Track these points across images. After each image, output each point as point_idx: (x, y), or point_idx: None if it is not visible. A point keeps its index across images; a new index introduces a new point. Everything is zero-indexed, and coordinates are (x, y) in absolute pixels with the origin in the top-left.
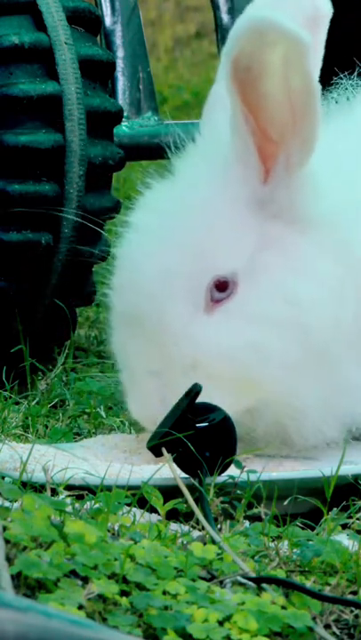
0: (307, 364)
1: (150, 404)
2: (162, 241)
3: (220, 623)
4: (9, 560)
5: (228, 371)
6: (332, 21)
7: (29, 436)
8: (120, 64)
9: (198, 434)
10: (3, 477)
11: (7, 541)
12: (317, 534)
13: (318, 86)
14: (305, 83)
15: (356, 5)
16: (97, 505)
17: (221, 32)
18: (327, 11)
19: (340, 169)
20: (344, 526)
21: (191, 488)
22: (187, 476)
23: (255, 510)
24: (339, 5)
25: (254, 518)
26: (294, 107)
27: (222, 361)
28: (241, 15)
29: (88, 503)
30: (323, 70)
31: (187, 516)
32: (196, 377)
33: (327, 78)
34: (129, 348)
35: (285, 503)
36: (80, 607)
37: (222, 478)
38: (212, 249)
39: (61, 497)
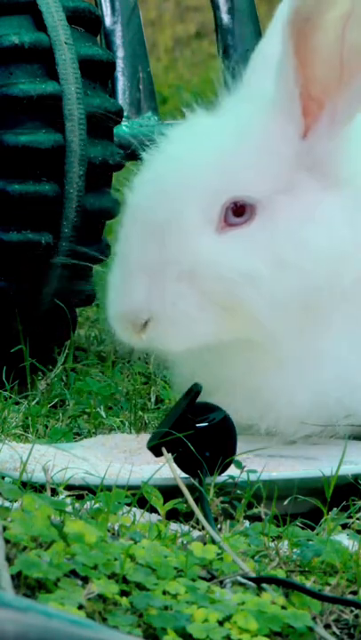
0: (296, 309)
1: (133, 297)
2: (192, 152)
3: (220, 623)
4: (9, 560)
5: (221, 291)
6: None
7: (29, 435)
8: (120, 64)
9: (198, 434)
10: (3, 477)
11: (7, 541)
12: (317, 534)
13: None
14: None
15: None
16: (97, 505)
17: (221, 32)
18: None
19: None
20: (344, 526)
21: (191, 488)
22: (187, 475)
23: (255, 510)
24: None
25: (254, 518)
26: (346, 64)
27: (218, 280)
28: None
29: (88, 503)
30: None
31: (187, 516)
32: (188, 287)
33: None
34: (132, 243)
35: (285, 503)
36: (80, 607)
37: (222, 478)
38: (239, 171)
39: (61, 497)
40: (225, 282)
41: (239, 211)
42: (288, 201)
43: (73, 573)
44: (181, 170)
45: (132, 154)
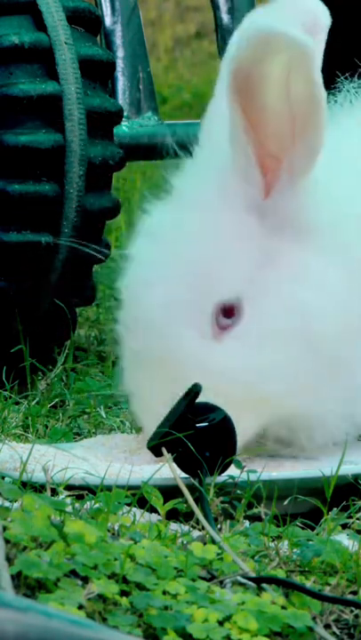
0: (320, 373)
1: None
2: (163, 271)
3: (220, 623)
4: (9, 560)
5: (242, 393)
6: (333, 25)
7: (29, 435)
8: (120, 64)
9: (198, 434)
10: (3, 477)
11: (7, 541)
12: (317, 534)
13: (324, 92)
14: (310, 89)
15: (356, 8)
16: (97, 505)
17: (221, 32)
18: (326, 20)
19: (343, 174)
20: (344, 526)
21: (191, 488)
22: (187, 475)
23: (255, 510)
24: (339, 9)
25: (254, 518)
26: (296, 116)
27: (235, 385)
28: (241, 23)
29: (88, 503)
30: (323, 74)
31: (187, 516)
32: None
33: (328, 82)
34: (142, 387)
35: (285, 503)
36: (80, 607)
37: (222, 478)
38: (214, 275)
39: (61, 497)
40: (243, 383)
41: (228, 311)
42: (270, 273)
43: (73, 573)
44: (164, 301)
45: (135, 153)
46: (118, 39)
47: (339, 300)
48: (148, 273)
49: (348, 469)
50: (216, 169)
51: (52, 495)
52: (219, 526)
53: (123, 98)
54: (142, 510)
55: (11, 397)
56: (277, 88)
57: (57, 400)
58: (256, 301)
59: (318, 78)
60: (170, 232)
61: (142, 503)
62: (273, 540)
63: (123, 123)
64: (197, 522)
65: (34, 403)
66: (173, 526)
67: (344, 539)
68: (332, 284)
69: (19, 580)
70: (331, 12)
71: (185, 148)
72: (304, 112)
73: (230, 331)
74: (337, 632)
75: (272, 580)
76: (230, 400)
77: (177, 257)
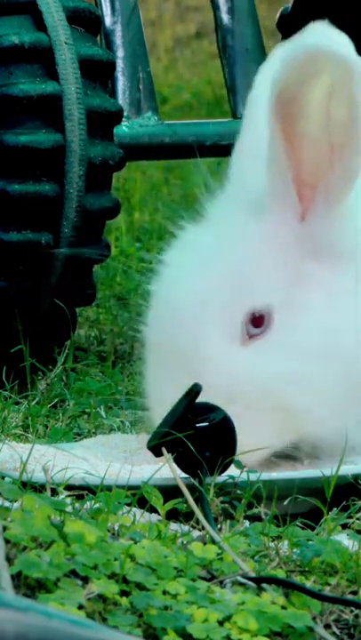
0: (348, 395)
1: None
2: (198, 274)
3: (220, 623)
4: (9, 560)
5: (268, 402)
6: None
7: (29, 435)
8: (120, 64)
9: (198, 434)
10: (3, 477)
11: (7, 541)
12: (317, 534)
13: None
14: (351, 111)
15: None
16: (97, 505)
17: (221, 32)
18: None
19: None
20: (344, 526)
21: (191, 488)
22: (187, 475)
23: (255, 510)
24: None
25: (254, 518)
26: (335, 144)
27: (261, 393)
28: (287, 46)
29: (88, 503)
30: None
31: (187, 516)
32: (234, 409)
33: None
34: (164, 382)
35: (285, 503)
36: (80, 607)
37: (222, 478)
38: (248, 282)
39: (61, 497)
40: (269, 392)
41: (257, 321)
42: (303, 292)
43: (73, 573)
44: (196, 300)
45: (135, 153)
46: (118, 39)
47: None
48: (184, 276)
49: (348, 469)
50: (252, 194)
51: (52, 495)
52: (219, 526)
53: (123, 98)
54: (142, 510)
55: (11, 397)
56: (318, 114)
57: (57, 400)
58: (286, 315)
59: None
60: (207, 242)
61: (142, 503)
62: (273, 540)
63: (123, 123)
64: (197, 522)
65: (34, 403)
66: (173, 526)
67: (344, 539)
68: (358, 306)
69: (19, 580)
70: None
71: (185, 148)
72: (343, 137)
73: (258, 339)
74: (337, 632)
75: (272, 580)
76: (251, 406)
77: (213, 263)
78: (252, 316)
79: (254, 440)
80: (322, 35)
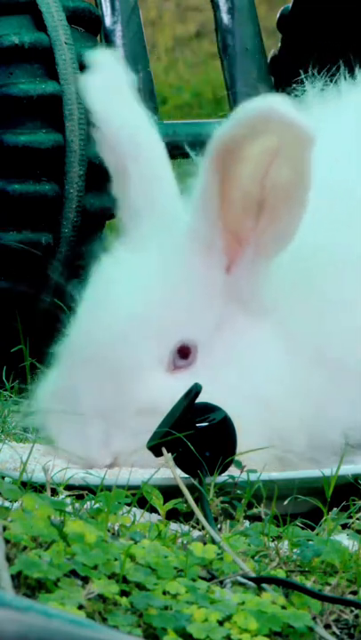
0: (266, 438)
1: (91, 446)
2: (135, 292)
3: (220, 623)
4: (9, 560)
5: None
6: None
7: (29, 435)
8: None
9: (198, 434)
10: (3, 477)
11: (7, 541)
12: (317, 534)
13: (311, 181)
14: (295, 176)
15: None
16: (97, 505)
17: (221, 32)
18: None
19: (296, 256)
20: (344, 526)
21: (191, 488)
22: (187, 475)
23: (255, 510)
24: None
25: (254, 518)
26: (268, 202)
27: None
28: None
29: (88, 503)
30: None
31: (187, 516)
32: (150, 420)
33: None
34: (79, 388)
35: (285, 503)
36: (80, 607)
37: (222, 478)
38: (179, 314)
39: (61, 497)
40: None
41: (184, 352)
42: (223, 337)
43: (73, 573)
44: (130, 314)
45: None
46: (118, 39)
47: (278, 369)
48: (119, 290)
49: (349, 469)
50: (181, 235)
51: (52, 495)
52: (219, 526)
53: None
54: (142, 510)
55: (11, 397)
56: (257, 167)
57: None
58: (208, 355)
59: (311, 168)
60: (144, 262)
61: (142, 503)
62: (273, 540)
63: None
64: (197, 522)
65: None
66: (173, 526)
67: (344, 539)
68: (274, 353)
69: (19, 580)
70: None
71: (184, 148)
72: (280, 200)
73: (183, 372)
74: (337, 632)
75: (272, 580)
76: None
77: (150, 287)
78: (180, 348)
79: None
80: (277, 100)
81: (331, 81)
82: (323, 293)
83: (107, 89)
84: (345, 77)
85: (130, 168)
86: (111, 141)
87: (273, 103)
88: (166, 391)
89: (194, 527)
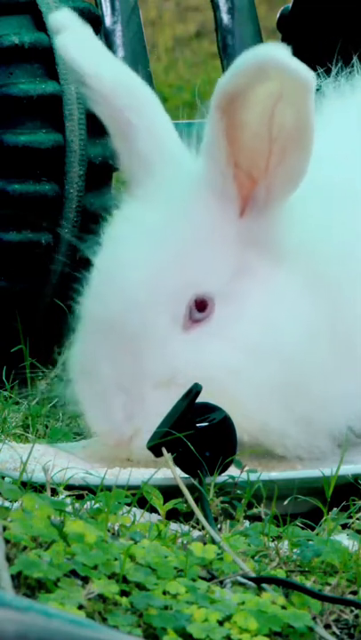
0: (279, 391)
1: (113, 418)
2: (145, 254)
3: (220, 623)
4: (9, 560)
5: (204, 390)
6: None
7: (29, 435)
8: None
9: (198, 434)
10: (3, 477)
11: (7, 541)
12: (317, 534)
13: (314, 124)
14: (298, 121)
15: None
16: (97, 505)
17: (221, 32)
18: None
19: (316, 198)
20: (344, 526)
21: (191, 488)
22: (187, 475)
23: (255, 510)
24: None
25: (254, 518)
26: (276, 140)
27: (197, 379)
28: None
29: (88, 503)
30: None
31: (187, 516)
32: (169, 394)
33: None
34: (99, 359)
35: (285, 503)
36: (80, 607)
37: (222, 478)
38: (193, 268)
39: (61, 497)
40: (205, 380)
41: (201, 305)
42: (244, 284)
43: (73, 573)
44: (141, 279)
45: None
46: (118, 39)
47: (304, 324)
48: (130, 253)
49: (348, 469)
50: (192, 185)
51: (52, 495)
52: (219, 526)
53: None
54: (142, 510)
55: (11, 397)
56: (262, 110)
57: (57, 400)
58: (226, 305)
59: (312, 110)
60: (153, 221)
61: (142, 503)
62: (273, 540)
63: None
64: (197, 522)
65: (34, 403)
66: (173, 526)
67: (344, 539)
68: (299, 308)
69: (19, 580)
70: None
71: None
72: (287, 142)
73: (200, 326)
74: (337, 632)
75: (272, 580)
76: (180, 394)
77: (160, 244)
78: (197, 301)
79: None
80: (275, 48)
81: (331, 81)
82: (348, 231)
83: (86, 46)
84: (346, 77)
85: (134, 121)
86: (108, 97)
87: (271, 51)
88: (183, 355)
89: (194, 527)
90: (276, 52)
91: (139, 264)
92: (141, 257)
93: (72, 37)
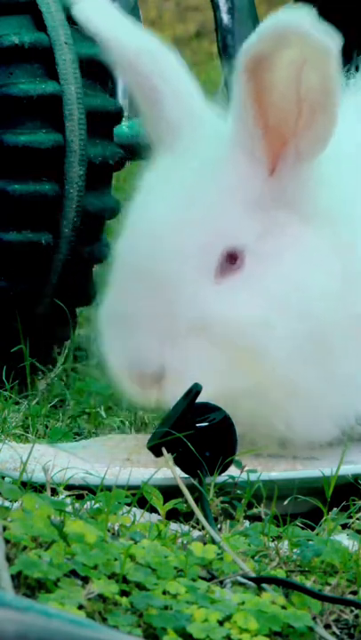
0: (306, 349)
1: (146, 353)
2: (177, 207)
3: (220, 623)
4: (9, 560)
5: (232, 341)
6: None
7: (29, 436)
8: None
9: (198, 434)
10: (3, 477)
11: (7, 541)
12: (317, 534)
13: (339, 85)
14: (323, 84)
15: None
16: (97, 505)
17: (221, 32)
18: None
19: (345, 159)
20: (344, 526)
21: (191, 488)
22: (187, 475)
23: (255, 510)
24: None
25: (254, 518)
26: (304, 101)
27: (228, 330)
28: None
29: (88, 503)
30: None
31: (187, 516)
32: (199, 340)
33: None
34: (131, 304)
35: (285, 503)
36: (80, 607)
37: (222, 478)
38: (225, 221)
39: (61, 497)
40: (235, 332)
41: (232, 259)
42: (273, 241)
43: (73, 573)
44: (175, 227)
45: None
46: None
47: (332, 286)
48: (163, 204)
49: (349, 469)
50: (220, 145)
51: (52, 495)
52: (219, 526)
53: (123, 98)
54: (142, 510)
55: (11, 397)
56: (288, 72)
57: (57, 400)
58: (256, 261)
59: (336, 72)
60: (185, 174)
61: (142, 503)
62: (273, 540)
63: (123, 123)
64: (197, 522)
65: (34, 403)
66: (173, 526)
67: (344, 539)
68: (328, 268)
69: (19, 580)
70: None
71: None
72: (315, 100)
73: (230, 278)
74: (337, 632)
75: (272, 580)
76: (216, 341)
77: (194, 195)
78: (228, 255)
79: (207, 376)
80: (296, 15)
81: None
82: None
83: (106, 13)
84: (347, 77)
85: (160, 87)
86: (133, 63)
87: (291, 18)
88: (215, 304)
89: (194, 527)
90: (297, 20)
91: (171, 216)
92: (173, 209)
93: (92, 5)
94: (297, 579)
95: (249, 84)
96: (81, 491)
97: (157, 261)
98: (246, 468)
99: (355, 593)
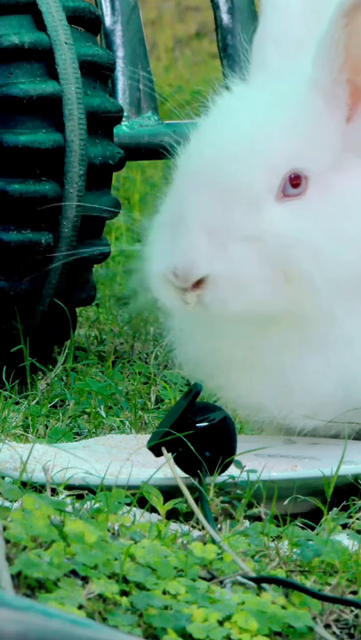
0: (349, 285)
1: (193, 253)
2: (251, 123)
3: (220, 623)
4: (9, 560)
5: (283, 258)
6: None
7: (29, 435)
8: (120, 64)
9: (198, 434)
10: (3, 477)
11: (7, 541)
12: (317, 534)
13: None
14: None
15: None
16: (97, 505)
17: (221, 32)
18: None
19: None
20: (344, 526)
21: (191, 488)
22: (187, 475)
23: (255, 510)
24: None
25: (254, 518)
26: None
27: (282, 247)
28: None
29: (88, 503)
30: None
31: (187, 516)
32: (250, 251)
33: None
34: (191, 203)
35: (285, 503)
36: (80, 607)
37: (222, 478)
38: (300, 143)
39: (61, 497)
40: (288, 250)
41: (295, 182)
42: (338, 177)
43: (73, 573)
44: (249, 139)
45: (135, 153)
46: (118, 39)
47: None
48: (235, 120)
49: (348, 469)
50: (299, 84)
51: (52, 495)
52: (219, 526)
53: (123, 98)
54: (142, 510)
55: (11, 397)
56: None
57: (57, 400)
58: (320, 189)
59: None
60: (260, 97)
61: (142, 503)
62: (273, 540)
63: (123, 123)
64: (197, 522)
65: (34, 403)
66: (173, 526)
67: (344, 539)
68: None
69: (19, 580)
70: None
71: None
72: None
73: (292, 200)
74: (337, 632)
75: (272, 580)
76: (264, 255)
77: (270, 117)
78: (293, 176)
79: (252, 286)
80: None
81: None
82: None
83: None
84: None
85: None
86: None
87: None
88: (274, 221)
89: (194, 527)
90: None
91: (243, 124)
92: (247, 125)
93: None
94: (297, 579)
95: (345, 30)
96: (81, 491)
97: (223, 167)
98: (246, 468)
99: (355, 593)
